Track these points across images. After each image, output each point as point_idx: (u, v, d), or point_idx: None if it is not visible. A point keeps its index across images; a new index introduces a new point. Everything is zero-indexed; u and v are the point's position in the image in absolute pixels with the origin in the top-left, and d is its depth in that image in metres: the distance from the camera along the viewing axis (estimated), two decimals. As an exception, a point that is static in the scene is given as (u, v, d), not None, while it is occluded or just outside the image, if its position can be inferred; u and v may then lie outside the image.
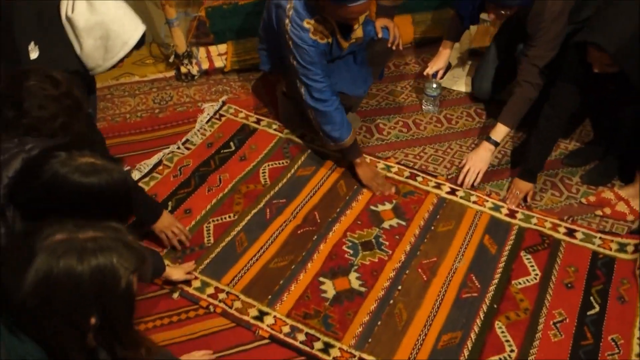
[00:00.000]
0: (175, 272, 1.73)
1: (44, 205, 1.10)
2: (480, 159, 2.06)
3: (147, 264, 0.98)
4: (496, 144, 2.06)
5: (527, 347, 1.59)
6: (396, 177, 2.15)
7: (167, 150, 2.26)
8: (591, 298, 1.73)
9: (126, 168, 2.15)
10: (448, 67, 2.47)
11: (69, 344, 0.89)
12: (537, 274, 1.80)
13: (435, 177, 2.14)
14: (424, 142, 2.33)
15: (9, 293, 0.85)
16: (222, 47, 2.67)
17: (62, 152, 1.10)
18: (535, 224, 1.95)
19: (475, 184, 2.06)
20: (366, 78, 2.21)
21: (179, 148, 2.28)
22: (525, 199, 2.04)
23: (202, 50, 2.67)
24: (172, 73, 2.68)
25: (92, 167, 1.14)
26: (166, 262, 1.79)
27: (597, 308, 1.70)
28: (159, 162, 2.22)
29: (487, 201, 2.04)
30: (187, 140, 2.32)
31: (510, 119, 2.05)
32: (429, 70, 2.36)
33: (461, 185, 2.07)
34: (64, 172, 1.08)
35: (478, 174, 2.04)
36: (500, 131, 2.05)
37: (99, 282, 0.87)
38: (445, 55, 2.37)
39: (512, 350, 1.59)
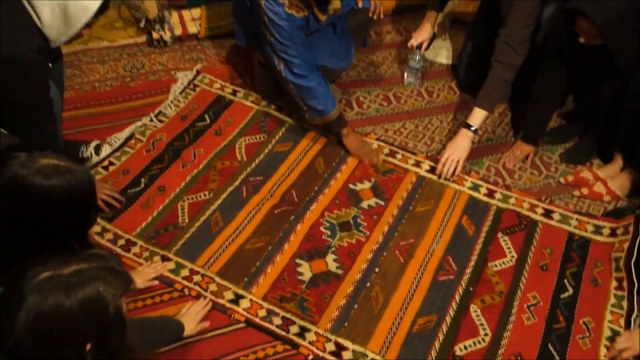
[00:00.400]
0: (135, 278, 1.61)
1: (4, 208, 1.05)
2: (458, 147, 1.98)
3: (134, 284, 0.98)
4: (475, 131, 1.99)
5: (500, 331, 1.61)
6: (375, 154, 2.11)
7: (139, 123, 2.18)
8: (565, 281, 1.75)
9: (96, 142, 2.07)
10: (432, 39, 2.40)
11: None
12: (513, 256, 1.80)
13: (414, 154, 2.11)
14: (405, 116, 2.29)
15: (4, 335, 0.87)
16: (196, 12, 2.55)
17: (22, 154, 1.04)
18: (513, 205, 1.95)
19: (456, 173, 2.00)
20: (348, 50, 2.14)
21: (151, 120, 2.20)
22: (525, 159, 2.09)
23: (174, 14, 2.55)
24: (143, 38, 2.55)
25: (54, 168, 1.09)
26: (133, 250, 1.75)
27: (571, 291, 1.72)
28: (131, 136, 2.13)
29: (467, 180, 2.02)
30: (160, 112, 2.24)
31: (487, 103, 1.99)
32: (413, 42, 2.29)
33: (440, 176, 2.01)
34: (24, 174, 1.02)
35: (458, 162, 1.99)
36: (477, 116, 1.99)
37: (88, 312, 0.88)
38: (429, 26, 2.29)
39: (486, 334, 1.61)
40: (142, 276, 1.68)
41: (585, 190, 2.00)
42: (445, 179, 2.00)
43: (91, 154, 2.04)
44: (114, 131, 2.15)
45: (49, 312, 0.86)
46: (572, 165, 2.11)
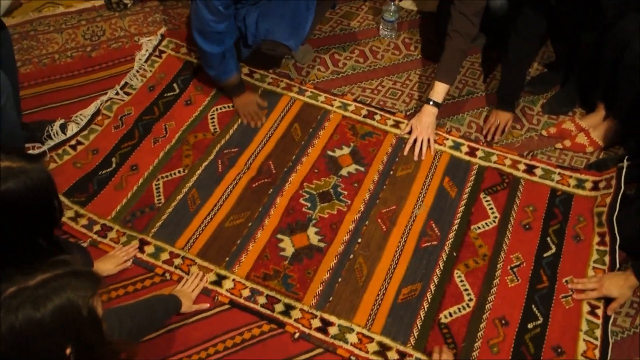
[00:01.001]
0: (104, 266, 1.60)
1: None
2: (425, 126, 1.91)
3: (102, 282, 0.98)
4: (438, 105, 1.91)
5: (484, 295, 1.62)
6: (353, 116, 2.04)
7: (105, 97, 2.08)
8: (548, 239, 1.74)
9: (60, 121, 1.97)
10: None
11: None
12: (496, 217, 1.79)
13: (393, 114, 2.04)
14: (382, 73, 2.20)
15: None
16: (155, -31, 2.38)
17: None
18: (495, 162, 1.92)
19: (431, 152, 1.93)
20: (297, 27, 1.93)
21: (117, 94, 2.09)
22: (503, 130, 1.98)
23: (132, -27, 2.38)
24: (101, 1, 2.39)
25: (7, 171, 1.03)
26: (110, 235, 1.71)
27: (554, 249, 1.72)
28: (97, 112, 2.04)
29: (447, 139, 1.98)
30: (126, 83, 2.13)
31: (447, 76, 1.90)
32: None
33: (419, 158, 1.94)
34: None
35: (429, 141, 1.92)
36: (439, 91, 1.90)
37: (61, 320, 0.89)
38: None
39: (470, 299, 1.61)
40: (114, 261, 1.64)
41: (567, 143, 1.96)
42: (421, 159, 1.93)
43: (57, 133, 1.95)
44: (79, 107, 2.06)
45: (21, 327, 0.86)
46: (554, 115, 2.06)
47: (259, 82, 2.13)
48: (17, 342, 0.87)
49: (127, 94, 2.10)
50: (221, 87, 2.05)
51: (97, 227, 1.74)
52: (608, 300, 1.58)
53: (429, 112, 1.91)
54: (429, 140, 1.92)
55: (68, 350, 0.90)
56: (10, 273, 0.92)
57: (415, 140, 1.92)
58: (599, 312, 1.58)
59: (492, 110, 2.01)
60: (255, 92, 2.08)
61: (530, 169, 1.90)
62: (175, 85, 2.13)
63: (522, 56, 1.93)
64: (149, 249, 1.70)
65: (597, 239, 1.73)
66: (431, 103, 1.90)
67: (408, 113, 2.06)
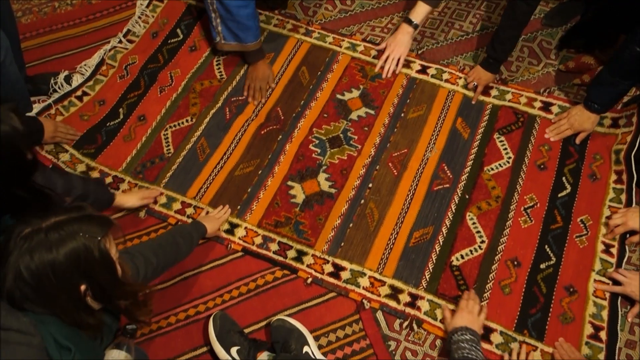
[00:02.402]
0: (128, 198, 1.62)
1: None
2: (398, 44, 1.88)
3: (115, 225, 1.05)
4: (416, 27, 1.87)
5: (497, 237, 1.61)
6: (363, 57, 1.97)
7: (108, 47, 2.03)
8: (563, 178, 1.71)
9: (65, 73, 1.95)
10: None
11: (71, 310, 1.00)
12: (510, 157, 1.75)
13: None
14: (392, 10, 2.11)
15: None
16: None
17: None
18: (509, 100, 1.85)
19: (396, 71, 1.91)
20: None
21: (120, 42, 2.05)
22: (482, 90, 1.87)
23: None
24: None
25: None
26: (122, 187, 1.72)
27: (569, 189, 1.69)
28: (102, 62, 2.00)
29: (460, 78, 1.91)
30: (129, 31, 2.08)
31: None
32: None
33: (385, 75, 1.92)
34: None
35: (399, 60, 1.89)
36: (419, 11, 1.84)
37: (74, 261, 0.96)
38: None
39: (482, 242, 1.61)
40: (135, 196, 1.64)
41: (586, 77, 1.88)
42: (387, 76, 1.93)
43: (62, 85, 1.93)
44: (83, 57, 2.02)
45: (37, 268, 0.94)
46: (573, 50, 1.97)
47: (264, 24, 2.06)
48: (34, 281, 0.95)
49: (130, 41, 2.05)
50: (240, 54, 1.95)
51: (109, 180, 1.75)
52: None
53: (405, 31, 1.88)
54: (399, 60, 1.90)
55: (82, 287, 0.99)
56: (27, 216, 0.99)
57: (387, 58, 1.91)
58: (614, 250, 1.57)
59: (475, 67, 1.87)
60: (271, 66, 1.96)
61: (546, 107, 1.84)
62: (178, 30, 2.07)
63: (520, 14, 1.71)
64: (161, 199, 1.71)
65: (614, 177, 1.69)
66: (408, 22, 1.87)
67: (420, 52, 1.99)
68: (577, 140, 1.75)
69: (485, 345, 1.44)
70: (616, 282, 1.51)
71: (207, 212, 1.66)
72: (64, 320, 1.00)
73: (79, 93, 1.93)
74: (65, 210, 1.01)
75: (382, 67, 1.92)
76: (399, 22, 2.07)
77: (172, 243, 1.44)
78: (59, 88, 1.92)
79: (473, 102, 1.86)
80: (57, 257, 0.95)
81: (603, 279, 1.52)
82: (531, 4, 1.66)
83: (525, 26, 1.73)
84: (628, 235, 1.58)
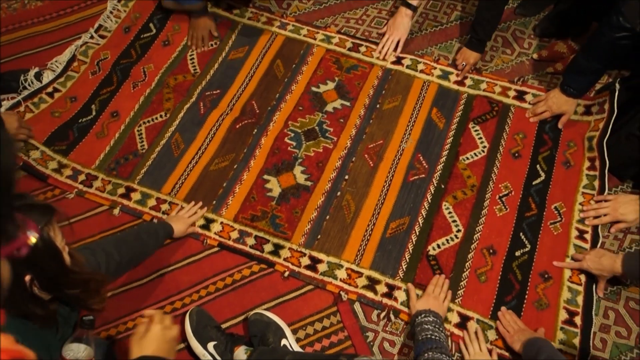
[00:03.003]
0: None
1: None
2: (398, 28, 1.90)
3: (56, 212, 1.00)
4: (414, 9, 1.88)
5: (472, 226, 1.62)
6: (337, 49, 1.97)
7: (79, 42, 2.00)
8: (537, 166, 1.72)
9: (35, 70, 1.91)
10: None
11: (17, 301, 0.97)
12: (485, 146, 1.76)
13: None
14: (366, 2, 2.11)
15: None
16: None
17: None
18: (484, 90, 1.86)
19: (396, 53, 1.92)
20: None
21: (92, 37, 2.02)
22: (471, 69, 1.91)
23: None
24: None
25: None
26: (95, 184, 1.69)
27: (543, 176, 1.70)
28: (73, 58, 1.97)
29: (435, 68, 1.91)
30: (100, 26, 2.05)
31: None
32: None
33: (380, 57, 1.94)
34: None
35: (398, 42, 1.90)
36: None
37: None
38: None
39: (458, 231, 1.61)
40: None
41: (559, 66, 1.90)
42: (385, 59, 1.94)
43: (32, 82, 1.90)
44: (54, 54, 1.99)
45: None
46: (547, 38, 1.98)
47: (238, 17, 2.05)
48: None
49: (102, 37, 2.02)
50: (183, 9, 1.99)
51: (82, 177, 1.72)
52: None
53: (404, 14, 1.89)
54: (398, 42, 1.91)
55: (27, 278, 0.95)
56: None
57: (387, 41, 1.93)
58: (587, 236, 1.59)
59: (461, 50, 1.89)
60: (214, 20, 2.00)
61: (520, 95, 1.85)
62: (151, 25, 2.05)
63: None
64: (135, 196, 1.69)
65: (587, 164, 1.71)
66: (407, 5, 1.87)
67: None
68: (560, 125, 1.77)
69: (461, 334, 1.45)
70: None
71: (181, 208, 1.64)
72: (9, 311, 0.96)
73: (49, 90, 1.90)
74: None
75: (381, 51, 1.93)
76: (380, 13, 2.06)
77: (136, 238, 1.42)
78: (29, 85, 1.89)
79: (459, 79, 1.89)
80: None
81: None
82: None
83: (504, 6, 1.76)
84: (583, 200, 1.63)
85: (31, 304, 0.99)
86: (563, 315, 1.48)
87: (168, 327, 1.15)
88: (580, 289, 1.51)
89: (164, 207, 1.67)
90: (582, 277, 1.52)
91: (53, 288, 1.03)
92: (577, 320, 1.47)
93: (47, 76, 1.92)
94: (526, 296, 1.51)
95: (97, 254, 1.28)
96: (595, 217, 1.60)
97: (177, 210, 1.64)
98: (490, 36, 1.84)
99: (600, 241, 1.57)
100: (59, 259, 1.01)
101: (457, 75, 1.89)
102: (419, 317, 1.36)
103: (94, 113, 1.85)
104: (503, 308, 1.47)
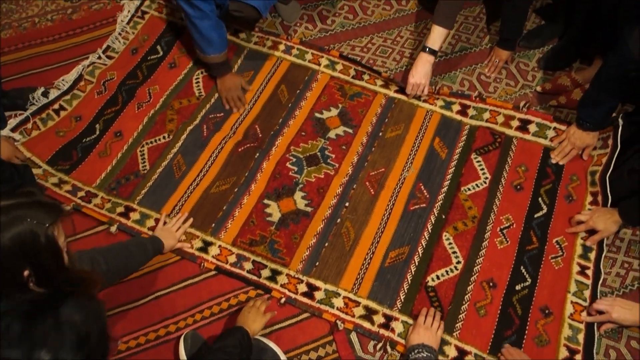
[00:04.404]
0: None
1: None
2: (420, 75, 1.82)
3: (63, 213, 1.02)
4: (434, 53, 1.81)
5: (473, 258, 1.60)
6: (342, 76, 1.98)
7: (86, 62, 2.02)
8: (539, 199, 1.71)
9: (41, 89, 1.93)
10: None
11: (13, 294, 0.97)
12: (486, 178, 1.75)
13: (380, 74, 1.97)
14: (372, 30, 2.12)
15: None
16: None
17: None
18: (487, 120, 1.86)
19: (424, 94, 1.89)
20: None
21: (99, 58, 2.04)
22: (505, 66, 2.00)
23: None
24: (81, -39, 2.30)
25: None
26: (95, 201, 1.69)
27: (545, 209, 1.69)
28: (80, 77, 1.99)
29: (438, 99, 1.91)
30: (108, 47, 2.07)
31: (447, 19, 1.76)
32: None
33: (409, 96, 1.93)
34: None
35: (423, 89, 1.87)
36: (435, 37, 1.78)
37: (19, 245, 0.94)
38: None
39: (458, 262, 1.60)
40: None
41: (562, 99, 1.90)
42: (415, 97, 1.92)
43: (39, 99, 1.91)
44: (61, 73, 2.01)
45: None
46: (551, 71, 1.99)
47: (244, 41, 2.07)
48: None
49: (110, 57, 2.04)
50: (207, 65, 1.94)
51: (81, 193, 1.72)
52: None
53: (425, 61, 1.81)
54: (423, 88, 1.86)
55: (26, 273, 0.96)
56: None
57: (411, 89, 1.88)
58: (589, 272, 1.56)
59: (493, 49, 2.00)
60: (240, 74, 1.97)
61: (524, 126, 1.84)
62: (158, 47, 2.07)
63: None
64: (134, 216, 1.68)
65: (589, 198, 1.69)
66: (427, 50, 1.80)
67: (398, 71, 1.99)
68: (584, 156, 1.75)
69: (459, 368, 1.42)
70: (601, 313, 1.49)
71: (165, 223, 1.63)
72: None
73: (56, 106, 1.92)
74: (15, 195, 1.00)
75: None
76: (385, 42, 2.08)
77: (124, 250, 1.42)
78: (36, 102, 1.90)
79: (492, 74, 1.97)
80: (2, 240, 0.93)
81: (579, 300, 1.52)
82: None
83: (527, 5, 1.84)
84: (585, 234, 1.62)
85: (24, 297, 1.00)
86: (563, 352, 1.45)
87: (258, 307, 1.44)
88: (582, 326, 1.48)
89: (163, 228, 1.66)
90: (584, 315, 1.49)
91: (49, 285, 1.03)
92: (578, 357, 1.44)
93: (54, 94, 1.94)
94: (526, 331, 1.48)
95: (82, 261, 1.27)
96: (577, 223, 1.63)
97: (162, 222, 1.63)
98: (518, 34, 1.94)
99: (602, 277, 1.55)
100: (60, 258, 1.02)
101: (488, 71, 1.98)
102: (412, 354, 1.34)
103: (97, 132, 1.86)
104: (507, 345, 1.45)
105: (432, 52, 1.80)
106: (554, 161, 1.77)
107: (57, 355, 0.87)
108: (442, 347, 1.45)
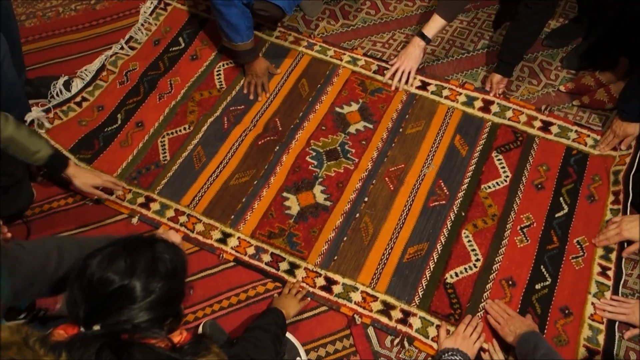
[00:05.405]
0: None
1: None
2: (409, 57, 1.88)
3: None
4: (428, 40, 1.86)
5: (492, 256, 1.59)
6: (363, 71, 1.97)
7: (109, 52, 2.04)
8: (561, 199, 1.69)
9: (64, 78, 1.95)
10: None
11: None
12: (507, 176, 1.74)
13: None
14: (394, 26, 2.11)
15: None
16: None
17: None
18: (509, 119, 1.84)
19: (407, 83, 1.91)
20: None
21: (122, 48, 2.05)
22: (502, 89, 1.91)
23: None
24: (105, -48, 2.32)
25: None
26: (116, 192, 1.70)
27: (566, 209, 1.67)
28: (102, 67, 2.01)
29: (460, 94, 1.90)
30: (131, 37, 2.08)
31: (448, 12, 1.81)
32: None
33: (394, 89, 1.93)
34: None
35: (409, 73, 1.89)
36: (433, 26, 1.83)
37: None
38: None
39: (477, 260, 1.59)
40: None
41: (586, 99, 1.88)
42: (397, 88, 1.93)
43: (60, 92, 1.93)
44: (84, 62, 2.02)
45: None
46: (573, 70, 1.97)
47: (266, 35, 2.07)
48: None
49: (132, 48, 2.06)
50: (234, 53, 1.92)
51: (103, 184, 1.73)
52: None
53: (416, 45, 1.88)
54: (409, 73, 1.90)
55: None
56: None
57: (397, 70, 1.91)
58: (610, 273, 1.55)
59: (491, 74, 1.89)
60: (267, 60, 1.96)
61: (546, 126, 1.83)
62: (180, 39, 2.08)
63: (534, 16, 1.73)
64: (155, 206, 1.69)
65: (611, 198, 1.68)
66: (420, 36, 1.86)
67: (420, 67, 1.98)
68: (623, 146, 1.72)
69: (477, 366, 1.42)
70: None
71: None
72: None
73: (78, 99, 1.93)
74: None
75: (391, 79, 1.93)
76: (407, 38, 2.07)
77: (100, 241, 1.37)
78: (57, 95, 1.92)
79: (488, 90, 1.91)
80: None
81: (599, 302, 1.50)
82: (531, 7, 1.67)
83: (532, 31, 1.76)
84: (625, 245, 1.57)
85: None
86: (583, 353, 1.44)
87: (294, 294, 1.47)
88: (602, 327, 1.47)
89: (182, 219, 1.67)
90: (605, 315, 1.48)
91: None
92: (598, 358, 1.43)
93: (76, 85, 1.95)
94: (545, 331, 1.47)
95: (49, 245, 1.17)
96: (604, 239, 1.59)
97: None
98: (519, 60, 1.87)
99: (623, 278, 1.54)
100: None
101: (489, 90, 1.91)
102: (445, 355, 1.33)
103: (119, 122, 1.88)
104: (489, 300, 1.48)
105: (426, 39, 1.85)
106: (598, 149, 1.76)
107: (148, 282, 0.91)
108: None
